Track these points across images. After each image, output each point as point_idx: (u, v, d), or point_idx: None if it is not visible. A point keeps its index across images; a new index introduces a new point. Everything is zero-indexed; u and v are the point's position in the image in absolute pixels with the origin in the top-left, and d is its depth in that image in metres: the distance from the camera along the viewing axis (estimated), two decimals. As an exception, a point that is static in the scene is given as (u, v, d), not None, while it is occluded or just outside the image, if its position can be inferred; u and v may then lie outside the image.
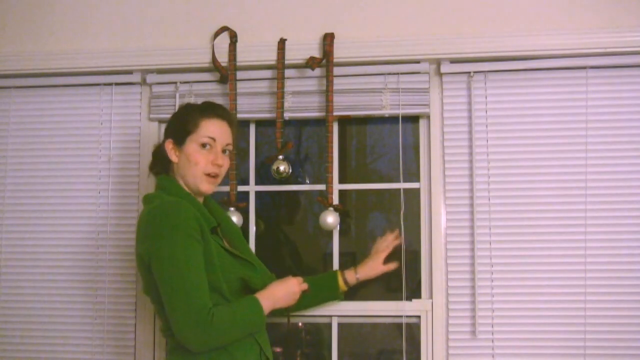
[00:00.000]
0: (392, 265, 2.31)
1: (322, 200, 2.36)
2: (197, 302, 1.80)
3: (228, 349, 1.88)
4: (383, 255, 2.31)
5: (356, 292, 2.42)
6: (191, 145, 2.00)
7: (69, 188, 2.54)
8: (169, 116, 2.45)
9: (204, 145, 2.01)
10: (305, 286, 2.07)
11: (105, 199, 2.52)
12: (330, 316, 2.43)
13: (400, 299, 2.37)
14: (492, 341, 2.31)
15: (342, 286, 2.27)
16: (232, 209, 2.37)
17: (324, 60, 2.36)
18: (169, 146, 2.03)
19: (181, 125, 2.03)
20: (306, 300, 2.16)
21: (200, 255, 1.85)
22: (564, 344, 2.29)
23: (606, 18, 2.32)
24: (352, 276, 2.28)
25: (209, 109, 2.06)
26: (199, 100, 2.43)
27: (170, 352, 1.95)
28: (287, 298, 2.01)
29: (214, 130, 2.02)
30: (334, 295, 2.29)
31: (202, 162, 2.00)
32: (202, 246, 1.87)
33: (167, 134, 2.07)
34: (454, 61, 2.38)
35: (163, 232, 1.84)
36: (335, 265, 2.46)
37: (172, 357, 1.94)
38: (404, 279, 2.35)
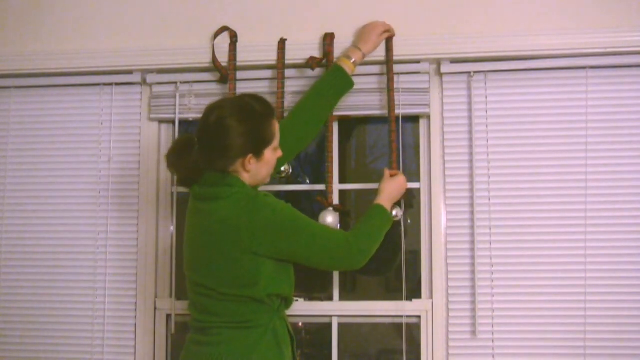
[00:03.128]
0: (387, 34, 2.33)
1: (322, 200, 2.36)
2: (337, 237, 1.98)
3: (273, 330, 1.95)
4: (381, 27, 2.32)
5: (356, 292, 2.42)
6: (269, 152, 1.98)
7: (69, 188, 2.54)
8: (169, 116, 2.47)
9: (276, 148, 2.02)
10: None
11: (105, 199, 2.52)
12: (330, 316, 2.43)
13: (400, 299, 2.37)
14: (492, 341, 2.31)
15: (351, 69, 2.27)
16: None
17: (324, 60, 2.36)
18: (249, 161, 1.94)
19: (258, 139, 1.95)
20: (327, 105, 2.29)
21: (299, 214, 1.98)
22: (564, 344, 2.29)
23: (606, 18, 2.32)
24: (357, 55, 2.28)
25: (270, 110, 2.00)
26: (199, 100, 2.45)
27: (218, 343, 1.91)
28: (401, 191, 2.22)
29: (278, 129, 2.02)
30: (346, 83, 2.29)
31: (274, 160, 2.03)
32: None
33: (244, 151, 1.93)
34: (454, 61, 2.38)
35: (270, 217, 1.90)
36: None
37: (222, 348, 1.91)
38: (404, 279, 2.35)
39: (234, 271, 1.90)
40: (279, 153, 2.03)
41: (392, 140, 2.33)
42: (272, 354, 1.92)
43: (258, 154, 1.95)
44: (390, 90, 2.33)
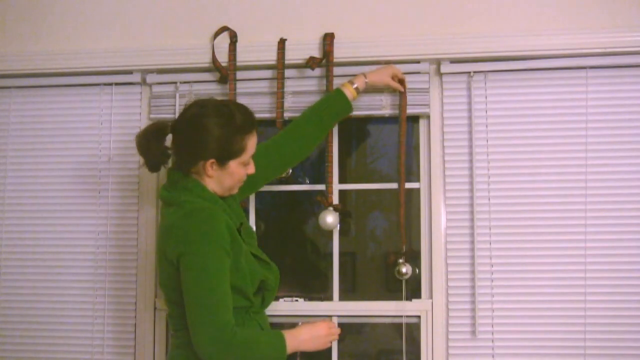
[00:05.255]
0: (398, 85, 2.31)
1: (322, 200, 2.36)
2: (221, 319, 1.81)
3: None
4: (393, 71, 2.30)
5: (356, 292, 2.42)
6: (234, 165, 1.96)
7: (69, 188, 2.54)
8: (169, 116, 2.46)
9: (246, 163, 2.00)
10: (336, 332, 2.05)
11: (105, 199, 2.52)
12: (330, 316, 2.43)
13: (400, 299, 2.37)
14: (492, 341, 2.31)
15: (352, 94, 2.26)
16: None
17: (324, 60, 2.36)
18: (210, 166, 1.93)
19: (226, 147, 1.92)
20: (322, 127, 2.26)
21: (227, 269, 1.87)
22: (564, 344, 2.29)
23: (606, 18, 2.32)
24: (361, 81, 2.27)
25: (250, 125, 1.96)
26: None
27: (179, 346, 1.95)
28: (314, 342, 1.98)
29: (254, 146, 2.00)
30: (345, 107, 2.27)
31: (242, 175, 2.01)
32: (230, 259, 1.88)
33: (207, 154, 1.92)
34: (454, 61, 2.38)
35: (197, 241, 1.84)
36: (336, 265, 2.46)
37: (180, 351, 1.94)
38: (404, 280, 2.35)
39: (172, 279, 1.89)
40: (250, 170, 2.01)
41: (401, 142, 2.33)
42: None
43: (222, 162, 1.94)
44: (403, 94, 2.34)
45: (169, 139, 2.02)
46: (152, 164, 2.02)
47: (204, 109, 1.95)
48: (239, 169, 1.98)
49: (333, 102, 2.26)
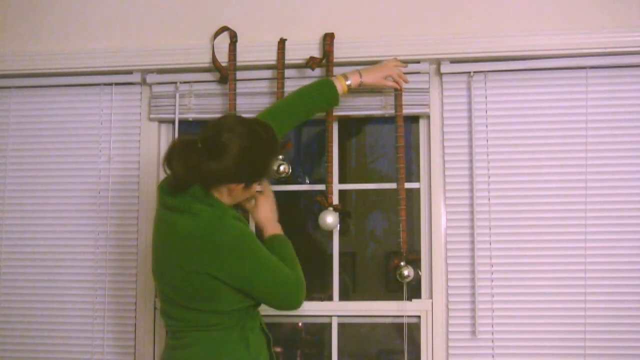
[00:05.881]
0: (393, 83, 2.29)
1: (322, 200, 2.36)
2: (291, 277, 1.93)
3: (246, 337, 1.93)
4: (389, 70, 2.28)
5: (356, 292, 2.42)
6: (255, 185, 1.98)
7: (69, 188, 2.54)
8: (169, 116, 2.46)
9: None
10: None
11: (105, 199, 2.52)
12: (330, 316, 2.43)
13: (400, 299, 2.37)
14: (492, 341, 2.31)
15: (344, 89, 2.22)
16: None
17: (324, 60, 2.36)
18: (238, 188, 1.91)
19: (259, 174, 1.94)
20: (304, 113, 2.22)
21: (263, 247, 1.93)
22: (564, 344, 2.29)
23: (606, 18, 2.32)
24: (355, 79, 2.24)
25: (278, 149, 1.98)
26: (199, 100, 2.45)
27: (175, 348, 1.94)
28: (272, 207, 2.10)
29: None
30: (331, 98, 2.23)
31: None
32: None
33: (239, 180, 1.89)
34: (454, 61, 2.38)
35: (233, 244, 1.86)
36: (336, 265, 2.46)
37: (176, 353, 1.93)
38: (405, 282, 2.35)
39: (192, 286, 1.88)
40: None
41: (399, 145, 2.33)
42: (241, 355, 1.90)
43: (249, 185, 1.94)
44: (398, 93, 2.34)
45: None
46: (180, 181, 1.89)
47: (241, 139, 1.86)
48: (256, 187, 2.00)
49: (323, 94, 2.22)
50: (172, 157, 1.87)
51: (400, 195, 2.32)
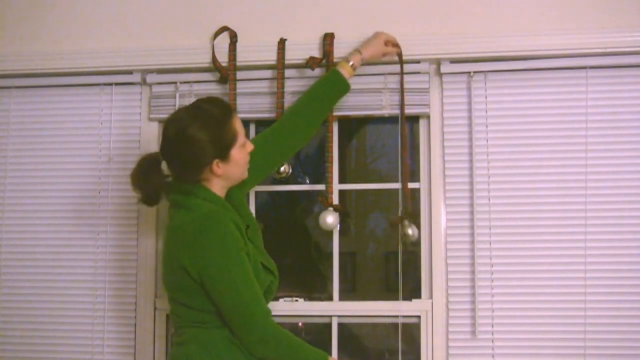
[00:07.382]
0: (393, 48, 2.30)
1: (322, 200, 2.36)
2: (260, 317, 1.87)
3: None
4: (384, 37, 2.28)
5: (356, 292, 2.42)
6: (236, 152, 1.96)
7: (69, 188, 2.54)
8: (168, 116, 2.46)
9: (243, 144, 2.00)
10: None
11: (105, 199, 2.52)
12: (330, 316, 2.43)
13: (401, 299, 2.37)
14: (492, 341, 2.31)
15: (349, 72, 2.24)
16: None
17: (324, 60, 2.36)
18: (217, 166, 1.93)
19: (221, 143, 1.92)
20: (322, 109, 2.26)
21: (248, 263, 1.90)
22: (564, 344, 2.29)
23: (606, 18, 2.32)
24: (356, 58, 2.25)
25: (227, 111, 1.97)
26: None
27: (180, 344, 1.94)
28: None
29: (241, 125, 2.00)
30: (342, 86, 2.25)
31: (246, 157, 2.01)
32: (246, 253, 1.92)
33: (208, 158, 1.92)
34: (454, 61, 2.38)
35: (214, 246, 1.86)
36: (336, 265, 2.46)
37: (181, 349, 1.93)
38: (400, 278, 2.35)
39: (175, 281, 1.92)
40: (249, 147, 2.02)
41: (403, 145, 2.33)
42: (233, 354, 1.89)
43: (224, 157, 1.94)
44: (401, 91, 2.34)
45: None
46: (152, 198, 2.02)
47: (181, 121, 1.93)
48: (241, 154, 1.98)
49: (332, 84, 2.24)
50: (138, 178, 2.00)
51: (404, 184, 2.33)
